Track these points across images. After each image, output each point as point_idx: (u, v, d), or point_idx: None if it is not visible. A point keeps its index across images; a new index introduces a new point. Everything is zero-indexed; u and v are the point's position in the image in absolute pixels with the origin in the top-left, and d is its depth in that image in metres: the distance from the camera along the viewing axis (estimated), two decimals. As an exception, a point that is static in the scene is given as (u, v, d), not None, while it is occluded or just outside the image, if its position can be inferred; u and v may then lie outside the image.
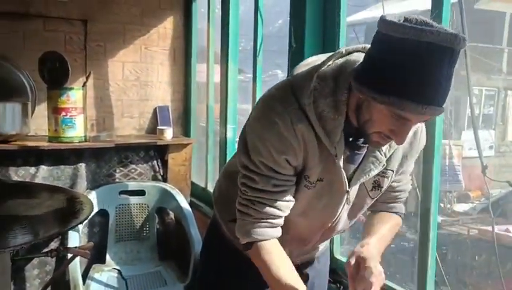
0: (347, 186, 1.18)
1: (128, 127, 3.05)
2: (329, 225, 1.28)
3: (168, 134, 2.87)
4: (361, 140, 1.12)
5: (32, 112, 2.66)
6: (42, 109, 2.69)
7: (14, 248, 1.05)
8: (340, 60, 1.11)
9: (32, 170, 2.52)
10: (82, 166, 2.65)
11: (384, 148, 1.17)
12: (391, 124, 1.01)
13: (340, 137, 1.09)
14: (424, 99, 0.92)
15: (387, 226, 1.29)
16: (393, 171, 1.23)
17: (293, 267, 1.19)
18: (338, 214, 1.25)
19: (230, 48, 2.63)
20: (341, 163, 1.13)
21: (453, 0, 1.39)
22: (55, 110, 2.53)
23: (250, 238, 1.17)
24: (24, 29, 2.72)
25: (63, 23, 2.80)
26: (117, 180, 2.80)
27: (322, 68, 1.10)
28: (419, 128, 1.22)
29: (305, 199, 1.19)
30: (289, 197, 1.17)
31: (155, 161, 2.89)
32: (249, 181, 1.15)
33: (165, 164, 2.90)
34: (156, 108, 3.09)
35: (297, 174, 1.16)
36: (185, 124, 3.20)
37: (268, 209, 1.15)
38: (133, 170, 2.84)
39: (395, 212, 1.34)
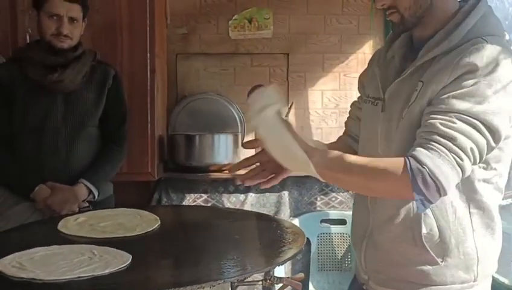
0: (380, 90, 1.20)
1: (328, 154, 3.05)
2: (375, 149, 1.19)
3: (369, 162, 2.77)
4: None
5: (241, 142, 2.86)
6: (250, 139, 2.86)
7: (233, 278, 1.07)
8: None
9: (242, 197, 2.69)
10: (285, 194, 2.73)
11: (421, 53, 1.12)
12: None
13: (394, 52, 1.22)
14: None
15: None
16: (422, 83, 1.08)
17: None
18: (378, 130, 1.18)
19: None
20: (377, 70, 1.23)
21: None
22: (261, 140, 2.67)
23: None
24: (234, 66, 2.98)
25: (267, 58, 2.98)
26: (318, 208, 2.80)
27: None
28: (468, 48, 1.03)
29: (366, 113, 1.27)
30: (356, 109, 1.38)
31: (356, 190, 2.81)
32: None
33: (366, 192, 2.80)
34: (355, 135, 3.03)
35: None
36: (385, 151, 3.06)
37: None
38: (333, 198, 2.81)
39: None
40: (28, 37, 2.26)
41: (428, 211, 1.09)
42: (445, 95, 1.03)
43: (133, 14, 2.42)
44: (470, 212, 1.12)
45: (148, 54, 2.44)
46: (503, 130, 1.02)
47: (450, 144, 0.98)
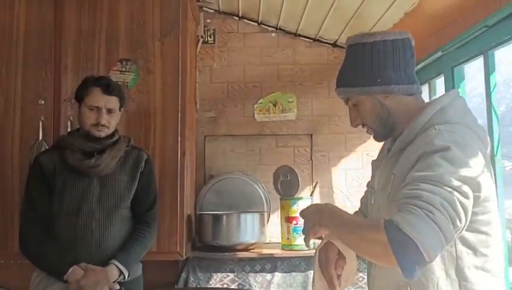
0: (373, 178, 1.38)
1: (354, 233, 3.04)
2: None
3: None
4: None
5: (267, 221, 2.90)
6: (275, 218, 2.91)
7: None
8: None
9: (268, 276, 2.69)
10: (311, 273, 2.71)
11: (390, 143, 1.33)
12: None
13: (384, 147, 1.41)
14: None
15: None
16: (394, 175, 1.20)
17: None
18: (372, 217, 1.34)
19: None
20: (372, 162, 1.45)
21: None
22: (287, 219, 2.71)
23: None
24: (260, 147, 3.10)
25: (291, 138, 3.10)
26: (345, 289, 2.75)
27: None
28: (420, 139, 1.16)
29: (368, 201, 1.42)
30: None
31: (383, 269, 2.77)
32: None
33: (394, 272, 2.76)
34: (380, 213, 3.03)
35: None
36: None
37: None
38: (360, 278, 2.76)
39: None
40: (69, 125, 2.42)
41: None
42: (408, 178, 1.11)
43: (165, 101, 2.56)
44: None
45: (179, 137, 2.54)
46: (466, 184, 1.05)
47: (417, 201, 1.01)
